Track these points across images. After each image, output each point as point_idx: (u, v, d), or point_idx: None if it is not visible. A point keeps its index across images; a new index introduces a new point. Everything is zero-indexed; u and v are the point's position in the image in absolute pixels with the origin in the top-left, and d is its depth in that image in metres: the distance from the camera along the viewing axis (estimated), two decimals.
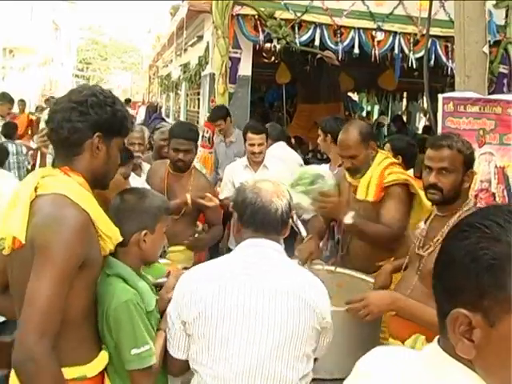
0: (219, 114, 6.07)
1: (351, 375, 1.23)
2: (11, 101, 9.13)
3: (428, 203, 2.86)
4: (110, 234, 1.95)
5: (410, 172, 4.22)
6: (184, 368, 2.07)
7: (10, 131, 7.68)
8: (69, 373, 1.82)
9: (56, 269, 1.70)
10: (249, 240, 2.04)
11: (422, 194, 2.97)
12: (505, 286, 0.89)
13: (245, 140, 4.80)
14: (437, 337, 1.04)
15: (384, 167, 3.31)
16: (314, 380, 2.45)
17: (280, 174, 4.62)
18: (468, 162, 2.54)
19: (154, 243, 2.17)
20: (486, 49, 4.28)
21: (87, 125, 1.92)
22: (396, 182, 3.23)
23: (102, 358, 1.95)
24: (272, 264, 2.03)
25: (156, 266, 2.58)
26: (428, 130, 15.38)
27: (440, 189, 2.53)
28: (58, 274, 1.70)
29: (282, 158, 5.33)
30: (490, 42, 5.00)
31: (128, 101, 21.11)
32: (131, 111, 18.10)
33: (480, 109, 4.09)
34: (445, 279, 0.98)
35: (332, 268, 3.16)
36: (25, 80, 24.99)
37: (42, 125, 3.42)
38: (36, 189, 1.85)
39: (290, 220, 4.19)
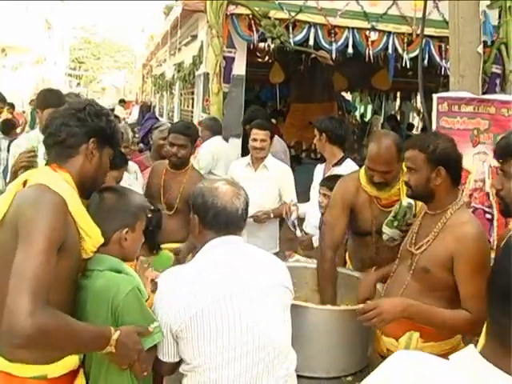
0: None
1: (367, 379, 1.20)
2: (3, 100, 9.13)
3: None
4: (91, 233, 1.99)
5: None
6: (174, 367, 2.10)
7: (7, 128, 7.93)
8: (27, 370, 1.84)
9: (41, 241, 1.74)
10: (215, 240, 2.09)
11: None
12: None
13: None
14: (470, 344, 1.04)
15: None
16: (310, 379, 2.47)
17: (279, 174, 4.67)
18: (434, 159, 2.56)
19: (135, 241, 2.20)
20: (480, 49, 4.30)
21: (84, 130, 2.05)
22: None
23: (70, 361, 1.95)
24: (246, 259, 2.12)
25: (164, 254, 2.61)
26: (411, 127, 15.52)
27: (410, 186, 2.67)
28: (43, 245, 1.74)
29: (214, 152, 5.51)
30: (485, 42, 5.00)
31: (122, 101, 21.04)
32: (125, 111, 18.07)
33: (474, 108, 4.12)
34: None
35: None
36: (18, 79, 24.89)
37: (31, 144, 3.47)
38: (25, 183, 1.95)
39: (287, 219, 4.20)
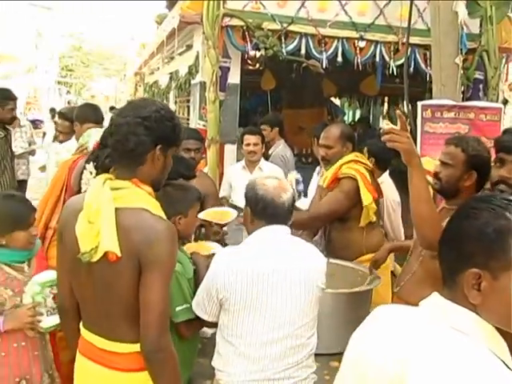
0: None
1: (360, 327, 1.51)
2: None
3: (367, 199, 3.59)
4: None
5: (386, 174, 4.62)
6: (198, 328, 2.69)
7: None
8: (125, 347, 2.14)
9: (165, 277, 2.07)
10: (264, 227, 2.45)
11: (364, 191, 3.60)
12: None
13: (242, 143, 5.18)
14: (434, 292, 1.35)
15: (343, 162, 3.81)
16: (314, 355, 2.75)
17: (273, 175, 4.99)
18: (471, 162, 2.77)
19: (188, 225, 2.73)
20: (457, 60, 4.60)
21: (151, 138, 2.15)
22: (346, 175, 3.72)
23: None
24: (283, 246, 2.45)
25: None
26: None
27: (439, 179, 2.87)
28: (166, 280, 2.08)
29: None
30: (461, 50, 5.25)
31: (113, 108, 21.16)
32: None
33: (455, 114, 4.47)
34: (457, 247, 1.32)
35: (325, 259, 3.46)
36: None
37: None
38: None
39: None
